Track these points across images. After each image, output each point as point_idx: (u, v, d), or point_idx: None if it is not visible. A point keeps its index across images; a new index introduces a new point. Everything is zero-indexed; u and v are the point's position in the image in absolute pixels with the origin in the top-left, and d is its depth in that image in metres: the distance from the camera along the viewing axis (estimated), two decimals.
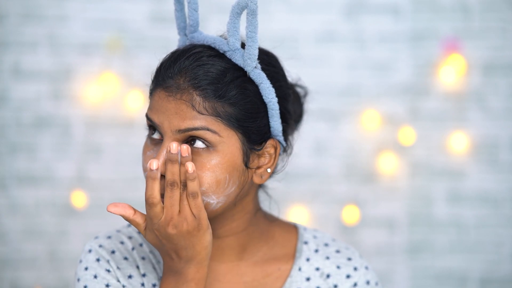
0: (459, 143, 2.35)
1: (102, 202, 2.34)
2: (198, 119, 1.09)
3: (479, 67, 2.35)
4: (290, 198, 2.34)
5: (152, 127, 1.12)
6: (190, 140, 1.09)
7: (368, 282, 1.20)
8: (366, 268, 1.22)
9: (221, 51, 1.13)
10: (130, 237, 1.21)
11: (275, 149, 1.18)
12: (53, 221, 2.34)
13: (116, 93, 2.35)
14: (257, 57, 1.13)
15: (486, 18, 2.34)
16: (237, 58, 1.13)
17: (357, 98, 2.36)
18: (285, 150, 1.23)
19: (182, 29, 1.19)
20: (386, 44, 2.35)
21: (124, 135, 2.35)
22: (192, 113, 1.09)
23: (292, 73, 1.31)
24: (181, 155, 1.05)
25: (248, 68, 1.13)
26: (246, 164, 1.12)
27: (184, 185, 1.06)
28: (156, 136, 1.11)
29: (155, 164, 1.04)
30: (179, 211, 1.06)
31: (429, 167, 2.36)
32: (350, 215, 2.36)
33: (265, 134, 1.15)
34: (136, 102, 2.33)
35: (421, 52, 2.35)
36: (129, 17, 2.34)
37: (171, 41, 2.34)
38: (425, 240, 2.36)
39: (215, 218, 1.13)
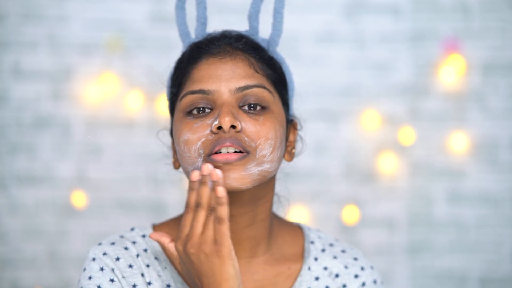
0: (459, 143, 2.35)
1: (102, 202, 2.34)
2: (255, 77, 1.10)
3: (479, 67, 2.35)
4: (290, 198, 2.34)
5: (196, 104, 1.09)
6: (244, 105, 1.09)
7: (375, 281, 1.21)
8: (372, 268, 1.22)
9: None
10: (134, 242, 1.18)
11: (295, 128, 1.21)
12: (53, 221, 2.34)
13: (116, 93, 2.35)
14: (282, 33, 1.16)
15: (486, 18, 2.34)
16: (259, 41, 1.17)
17: (357, 98, 2.36)
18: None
19: (187, 34, 1.19)
20: (386, 44, 2.35)
21: (124, 135, 2.35)
22: (250, 70, 1.10)
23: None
24: (212, 179, 1.03)
25: (274, 46, 1.17)
26: (287, 131, 1.15)
27: (211, 210, 1.03)
28: (196, 112, 1.09)
29: (195, 175, 1.03)
30: (201, 233, 1.04)
31: (429, 167, 2.36)
32: (350, 215, 2.36)
33: (289, 110, 1.18)
34: (136, 102, 2.33)
35: (421, 52, 2.35)
36: (129, 17, 2.34)
37: (171, 41, 2.35)
38: (425, 240, 2.36)
39: (249, 199, 1.12)
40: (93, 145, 2.35)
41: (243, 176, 1.07)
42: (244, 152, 1.07)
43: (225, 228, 1.03)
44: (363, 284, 1.20)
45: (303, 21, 2.36)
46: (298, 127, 1.24)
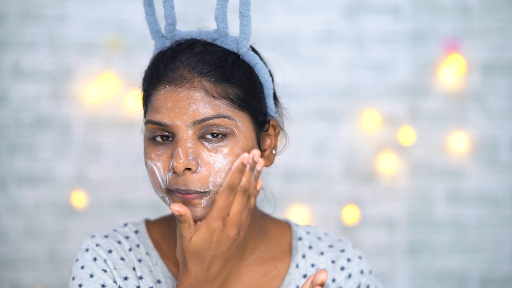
0: (459, 143, 2.35)
1: (102, 202, 2.34)
2: (213, 107, 1.08)
3: (479, 67, 2.35)
4: (290, 198, 2.34)
5: (157, 133, 1.09)
6: (204, 135, 1.07)
7: (362, 272, 1.20)
8: (360, 257, 1.21)
9: (210, 40, 1.14)
10: (127, 237, 1.20)
11: (274, 129, 1.19)
12: (53, 221, 2.34)
13: (116, 93, 2.35)
14: (251, 36, 1.14)
15: (486, 18, 2.34)
16: (229, 43, 1.14)
17: (357, 98, 2.36)
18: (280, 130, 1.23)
19: (157, 32, 1.18)
20: (386, 44, 2.35)
21: (124, 135, 2.35)
22: (207, 99, 1.07)
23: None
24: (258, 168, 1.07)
25: (243, 50, 1.14)
26: (260, 145, 1.13)
27: (249, 198, 1.07)
28: (160, 139, 1.09)
29: (247, 158, 1.06)
30: (241, 215, 1.06)
31: (429, 167, 2.36)
32: (350, 215, 2.36)
33: (266, 114, 1.16)
34: (136, 102, 2.33)
35: (421, 52, 2.35)
36: (129, 17, 2.34)
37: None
38: (425, 240, 2.36)
39: None
40: (93, 145, 2.35)
41: (202, 214, 1.07)
42: (202, 193, 1.07)
43: (249, 219, 1.09)
44: (349, 275, 1.19)
45: (303, 21, 2.36)
46: (281, 124, 1.23)
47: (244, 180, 1.06)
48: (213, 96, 1.08)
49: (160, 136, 1.09)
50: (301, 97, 2.36)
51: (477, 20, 2.34)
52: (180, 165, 1.04)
